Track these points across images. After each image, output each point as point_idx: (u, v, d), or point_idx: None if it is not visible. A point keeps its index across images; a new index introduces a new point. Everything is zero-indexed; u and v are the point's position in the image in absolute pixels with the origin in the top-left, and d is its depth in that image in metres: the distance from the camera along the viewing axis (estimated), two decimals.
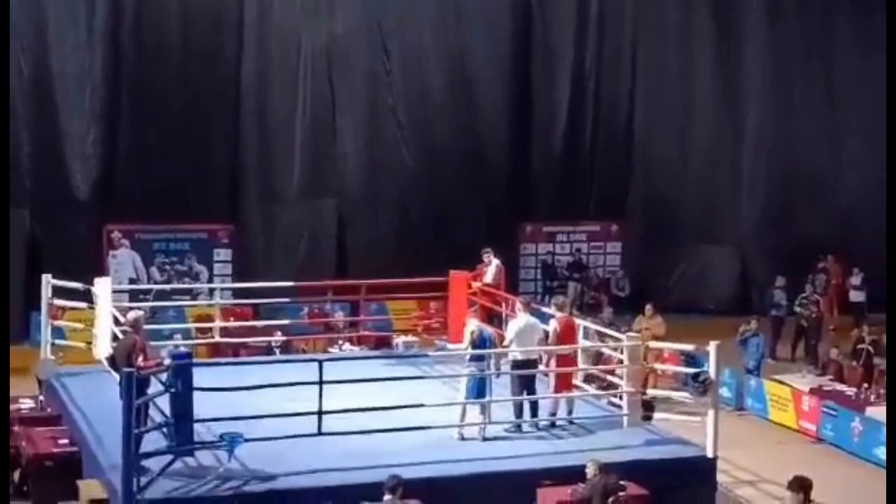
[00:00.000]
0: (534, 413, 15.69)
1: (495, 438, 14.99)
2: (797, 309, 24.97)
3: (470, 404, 15.16)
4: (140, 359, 13.39)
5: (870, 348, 21.67)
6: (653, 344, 17.58)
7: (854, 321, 25.22)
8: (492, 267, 20.31)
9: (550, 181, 29.62)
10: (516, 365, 15.71)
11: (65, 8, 25.62)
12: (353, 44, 27.73)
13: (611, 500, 13.15)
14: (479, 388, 15.13)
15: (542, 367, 15.94)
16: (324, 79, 27.52)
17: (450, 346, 16.46)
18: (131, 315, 14.48)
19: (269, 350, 20.60)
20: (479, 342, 15.38)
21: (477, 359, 15.34)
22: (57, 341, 18.33)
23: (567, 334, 16.03)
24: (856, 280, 27.42)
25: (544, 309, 17.94)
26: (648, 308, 22.56)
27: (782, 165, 30.26)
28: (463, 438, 14.96)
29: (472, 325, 15.64)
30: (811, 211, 30.07)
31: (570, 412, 15.91)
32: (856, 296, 27.38)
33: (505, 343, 15.81)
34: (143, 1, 26.18)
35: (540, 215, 29.54)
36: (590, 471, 13.33)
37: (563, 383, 15.97)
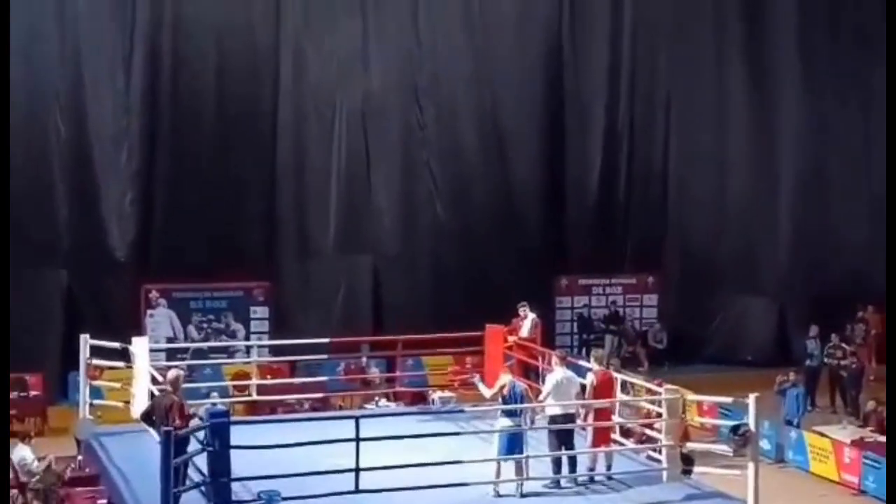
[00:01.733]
0: (572, 468, 15.57)
1: (533, 495, 14.86)
2: (826, 360, 24.75)
3: (504, 460, 15.06)
4: (177, 418, 13.41)
5: None
6: (691, 397, 17.45)
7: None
8: (528, 321, 20.25)
9: (585, 234, 29.62)
10: (553, 420, 15.62)
11: (102, 68, 25.97)
12: (388, 100, 27.96)
13: None
14: (511, 444, 15.03)
15: (579, 422, 15.84)
16: (359, 135, 27.72)
17: (481, 386, 16.31)
18: (171, 374, 14.50)
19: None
20: (510, 397, 15.30)
21: (509, 414, 15.26)
22: (95, 401, 18.35)
23: (605, 388, 15.94)
24: None
25: (582, 363, 17.89)
26: None
27: (819, 214, 30.09)
28: (499, 495, 14.85)
29: (505, 378, 15.57)
30: (852, 258, 29.82)
31: (608, 467, 15.78)
32: None
33: (541, 397, 15.73)
34: (180, 61, 26.51)
35: (575, 268, 29.50)
36: None
37: (602, 438, 15.86)
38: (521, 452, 14.99)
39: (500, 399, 15.32)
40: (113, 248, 26.05)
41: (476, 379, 17.01)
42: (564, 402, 15.53)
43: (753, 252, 30.13)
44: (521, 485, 14.96)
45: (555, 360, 16.30)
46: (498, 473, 14.97)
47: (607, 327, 28.92)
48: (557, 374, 15.77)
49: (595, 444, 15.72)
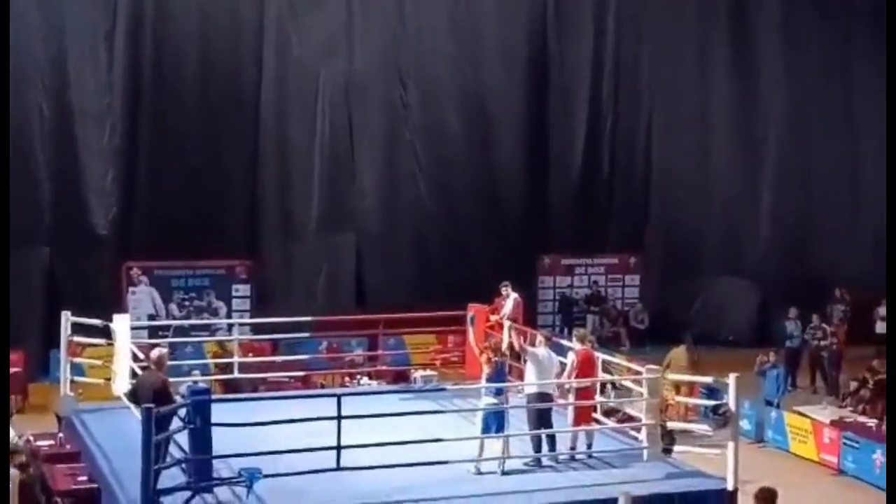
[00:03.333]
0: (552, 447, 15.64)
1: (514, 472, 14.92)
2: (807, 339, 24.86)
3: (488, 438, 15.11)
4: (166, 398, 13.45)
5: (882, 378, 21.60)
6: (671, 376, 17.53)
7: (876, 352, 25.04)
8: (510, 300, 20.32)
9: (568, 215, 29.67)
10: (532, 398, 15.68)
11: (85, 46, 25.86)
12: (372, 79, 27.92)
13: None
14: (495, 422, 15.10)
15: (560, 401, 15.90)
16: (342, 114, 27.68)
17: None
18: (155, 353, 14.51)
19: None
20: (497, 375, 15.35)
21: (495, 392, 15.32)
22: (76, 378, 18.35)
23: (586, 366, 16.00)
24: (882, 311, 27.23)
25: (563, 342, 17.94)
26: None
27: (801, 196, 30.23)
28: (480, 473, 14.91)
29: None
30: (831, 241, 29.97)
31: (589, 445, 15.85)
32: (882, 327, 27.18)
33: (526, 376, 15.79)
34: (163, 39, 26.42)
35: (558, 249, 29.56)
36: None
37: (583, 416, 15.92)
38: (504, 430, 15.05)
39: (487, 374, 15.34)
40: (95, 226, 26.00)
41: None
42: (547, 380, 15.60)
43: (735, 234, 30.26)
44: (503, 462, 15.02)
45: (539, 338, 16.35)
46: (481, 451, 15.02)
47: (589, 307, 29.01)
48: (540, 352, 15.82)
49: (576, 422, 15.78)
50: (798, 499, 17.47)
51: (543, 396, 15.69)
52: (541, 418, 15.58)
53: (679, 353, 22.20)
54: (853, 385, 22.01)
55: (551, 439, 15.67)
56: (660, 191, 30.23)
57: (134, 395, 14.12)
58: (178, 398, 13.91)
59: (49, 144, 25.58)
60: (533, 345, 16.66)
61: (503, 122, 29.00)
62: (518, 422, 15.74)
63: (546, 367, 15.70)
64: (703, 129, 30.23)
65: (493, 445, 15.13)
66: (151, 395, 13.35)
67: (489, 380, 15.28)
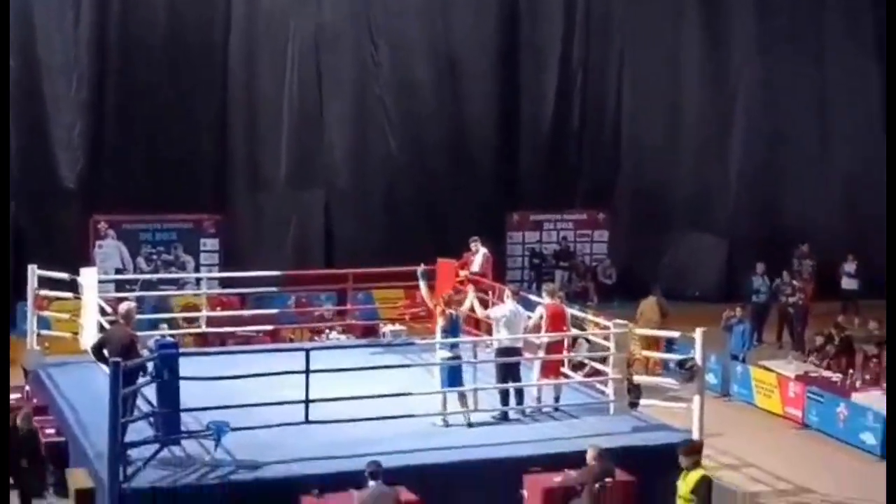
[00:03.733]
0: (519, 400, 15.73)
1: (482, 425, 15.00)
2: (776, 296, 25.03)
3: (449, 392, 15.17)
4: (143, 352, 13.42)
5: (850, 334, 21.81)
6: (638, 331, 17.64)
7: (842, 308, 25.29)
8: (479, 255, 20.34)
9: (538, 170, 29.67)
10: (502, 352, 15.74)
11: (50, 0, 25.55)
12: (341, 33, 27.73)
13: (597, 485, 13.21)
14: (451, 376, 15.12)
15: (528, 354, 15.99)
16: (311, 69, 27.51)
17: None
18: (123, 307, 14.43)
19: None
20: (452, 329, 15.39)
21: (449, 346, 15.33)
22: (43, 331, 18.30)
23: (556, 320, 16.07)
24: (849, 267, 27.41)
25: (532, 297, 18.00)
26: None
27: (770, 153, 30.30)
28: (447, 425, 15.01)
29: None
30: (798, 199, 30.12)
31: (556, 399, 15.96)
32: (848, 283, 27.39)
33: (493, 328, 15.83)
34: None
35: (527, 204, 29.57)
36: (589, 455, 13.38)
37: (551, 369, 16.02)
38: (461, 384, 15.10)
39: (442, 326, 15.39)
40: (62, 179, 25.81)
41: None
42: (515, 335, 15.68)
43: (703, 190, 30.32)
44: (468, 415, 15.11)
45: (507, 293, 16.40)
46: (444, 405, 15.10)
47: (558, 263, 29.08)
48: (508, 306, 15.88)
49: (544, 375, 15.87)
50: (763, 451, 17.79)
51: (511, 351, 15.76)
52: (508, 372, 15.66)
53: (650, 303, 22.75)
54: (818, 340, 22.18)
55: (519, 393, 15.76)
56: (629, 147, 30.24)
57: (100, 350, 14.00)
58: (145, 352, 13.89)
59: (15, 98, 25.26)
60: (501, 300, 16.74)
61: (474, 79, 28.87)
62: (487, 376, 15.84)
63: (514, 321, 15.76)
64: (673, 86, 30.19)
65: (455, 399, 15.18)
66: (119, 350, 13.29)
67: (443, 332, 15.32)
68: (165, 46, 26.46)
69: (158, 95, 26.31)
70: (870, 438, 18.10)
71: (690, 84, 30.25)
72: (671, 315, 22.43)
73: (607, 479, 13.28)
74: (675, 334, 16.91)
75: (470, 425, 15.02)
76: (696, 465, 12.17)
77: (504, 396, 15.63)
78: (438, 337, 15.41)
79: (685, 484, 12.07)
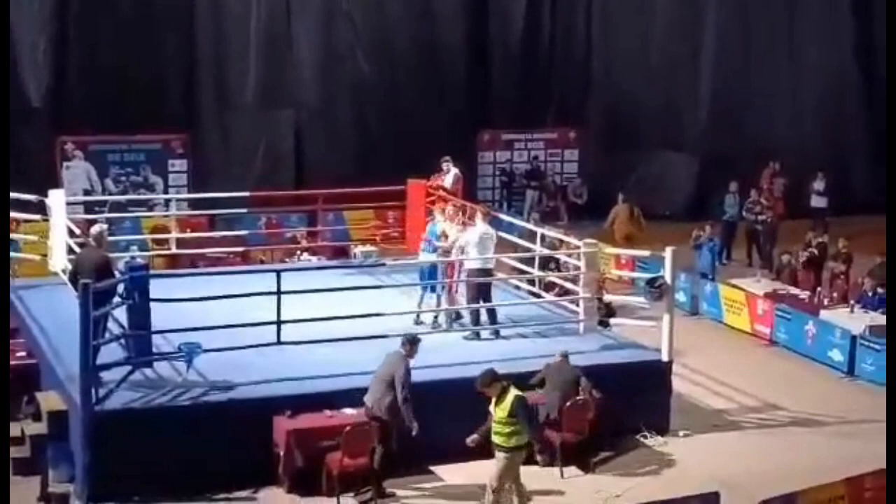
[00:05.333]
0: (492, 320, 15.81)
1: (452, 346, 15.08)
2: (745, 214, 25.14)
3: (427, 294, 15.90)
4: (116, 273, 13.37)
5: (815, 252, 21.95)
6: (609, 250, 17.70)
7: (812, 226, 25.40)
8: (450, 175, 20.27)
9: (508, 89, 29.51)
10: (473, 274, 15.79)
11: None
12: None
13: (581, 386, 13.63)
14: (429, 276, 15.95)
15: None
16: None
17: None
18: (95, 229, 14.28)
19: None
20: (430, 234, 16.17)
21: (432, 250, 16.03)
22: (12, 254, 18.18)
23: None
24: (818, 185, 27.49)
25: (503, 216, 18.01)
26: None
27: (739, 72, 30.21)
28: (418, 323, 15.61)
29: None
30: (769, 117, 30.13)
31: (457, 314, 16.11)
32: (817, 201, 27.51)
33: (463, 248, 15.85)
34: None
35: (498, 123, 29.47)
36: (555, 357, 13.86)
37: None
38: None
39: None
40: (27, 99, 25.49)
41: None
42: (485, 256, 15.75)
43: (674, 109, 30.26)
44: (437, 315, 15.64)
45: (479, 214, 16.38)
46: (420, 303, 15.90)
47: (528, 182, 29.05)
48: (480, 228, 15.88)
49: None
50: (731, 369, 17.98)
51: (483, 272, 15.81)
52: (479, 293, 15.73)
53: (621, 209, 24.15)
54: (786, 258, 22.33)
55: (491, 313, 15.84)
56: (600, 65, 30.09)
57: (74, 274, 13.83)
58: (118, 275, 13.82)
59: None
60: (471, 219, 16.76)
61: None
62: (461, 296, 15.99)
63: (485, 243, 15.78)
64: (644, 3, 30.01)
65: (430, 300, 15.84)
66: (94, 273, 13.13)
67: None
68: None
69: (123, 13, 25.92)
70: (837, 355, 18.30)
71: (662, 1, 30.06)
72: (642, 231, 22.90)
73: (583, 379, 13.72)
74: (644, 253, 16.98)
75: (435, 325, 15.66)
76: (505, 389, 12.10)
77: (475, 316, 15.72)
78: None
79: (500, 409, 12.05)
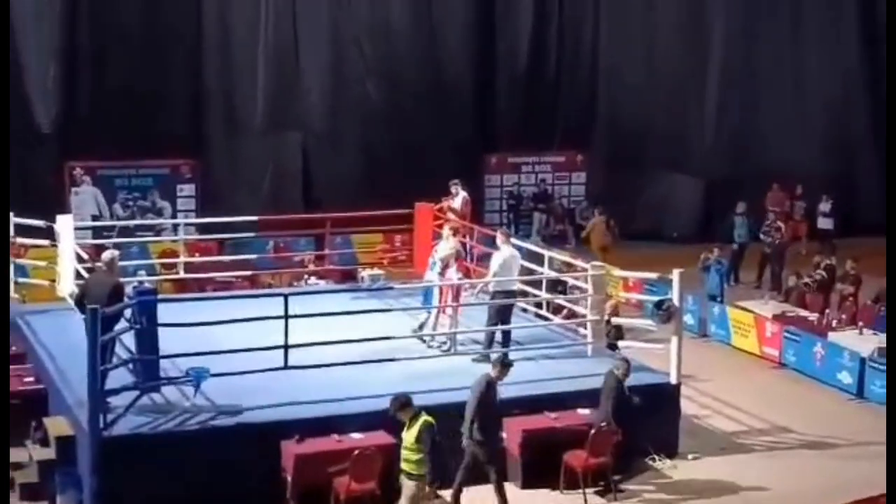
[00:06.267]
0: (505, 343, 15.78)
1: (461, 369, 15.03)
2: (761, 236, 25.10)
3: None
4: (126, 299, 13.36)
5: (823, 273, 21.90)
6: (617, 273, 17.69)
7: (819, 248, 25.38)
8: (458, 198, 20.29)
9: (515, 112, 29.59)
10: (495, 296, 15.80)
11: None
12: None
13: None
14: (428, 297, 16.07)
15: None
16: (287, 10, 27.26)
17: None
18: (107, 255, 14.21)
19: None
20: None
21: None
22: (20, 279, 18.22)
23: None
24: (824, 207, 27.52)
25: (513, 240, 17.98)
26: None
27: (746, 94, 30.26)
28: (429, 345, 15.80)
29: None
30: (776, 139, 30.13)
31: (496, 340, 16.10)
32: (824, 223, 27.52)
33: (490, 274, 15.94)
34: None
35: (505, 147, 29.52)
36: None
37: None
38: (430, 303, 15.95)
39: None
40: (37, 125, 25.58)
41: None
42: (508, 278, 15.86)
43: (681, 131, 30.29)
44: (449, 339, 15.71)
45: (500, 238, 16.37)
46: (432, 325, 16.01)
47: (536, 205, 29.07)
48: (504, 252, 15.89)
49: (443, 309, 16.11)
50: (740, 391, 17.92)
51: (506, 295, 15.80)
52: (500, 316, 15.71)
53: (598, 221, 25.07)
54: (793, 280, 22.30)
55: (505, 336, 15.80)
56: (606, 88, 30.17)
57: (81, 298, 13.84)
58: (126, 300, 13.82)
59: None
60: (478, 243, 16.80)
61: (450, 19, 28.71)
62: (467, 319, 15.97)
63: (510, 265, 15.79)
64: (650, 26, 30.09)
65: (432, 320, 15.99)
66: (105, 299, 13.09)
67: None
68: None
69: (132, 40, 26.04)
70: (846, 377, 18.25)
71: (667, 22, 30.13)
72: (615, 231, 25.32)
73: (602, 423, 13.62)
74: (652, 276, 16.97)
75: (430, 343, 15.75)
76: (416, 415, 11.98)
77: (490, 340, 15.70)
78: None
79: (409, 434, 11.96)
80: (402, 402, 12.09)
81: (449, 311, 16.06)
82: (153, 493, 12.50)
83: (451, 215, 19.56)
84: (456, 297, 16.15)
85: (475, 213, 21.79)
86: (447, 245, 16.46)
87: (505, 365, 13.17)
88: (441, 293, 16.12)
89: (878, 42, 30.26)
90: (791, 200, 27.40)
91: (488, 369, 13.28)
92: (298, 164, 27.77)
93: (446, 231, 17.07)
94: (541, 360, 15.76)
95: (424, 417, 12.00)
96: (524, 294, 17.23)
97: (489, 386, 12.95)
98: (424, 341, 15.88)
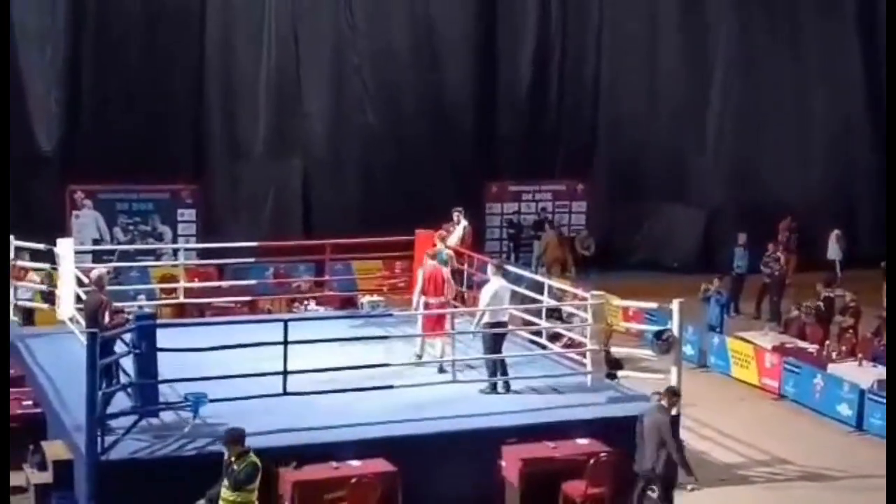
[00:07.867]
0: (504, 372, 15.74)
1: (463, 399, 15.01)
2: (762, 268, 25.09)
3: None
4: (106, 316, 13.32)
5: (821, 305, 21.88)
6: (617, 302, 17.67)
7: (825, 279, 25.33)
8: (459, 227, 20.30)
9: (516, 141, 29.61)
10: (488, 327, 15.77)
11: None
12: (319, 1, 27.56)
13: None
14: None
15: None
16: (289, 36, 27.35)
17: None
18: (95, 273, 14.34)
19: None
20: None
21: None
22: (20, 302, 18.20)
23: (434, 281, 16.46)
24: (834, 237, 27.56)
25: (511, 268, 18.01)
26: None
27: (747, 124, 30.31)
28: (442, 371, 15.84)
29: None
30: (776, 170, 30.17)
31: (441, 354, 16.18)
32: (833, 252, 27.56)
33: (480, 306, 15.87)
34: None
35: (505, 175, 29.53)
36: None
37: (432, 326, 16.21)
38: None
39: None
40: (39, 148, 25.64)
41: None
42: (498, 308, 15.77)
43: (682, 161, 30.33)
44: (448, 365, 15.78)
45: (491, 269, 16.35)
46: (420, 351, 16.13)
47: (536, 233, 29.07)
48: (494, 283, 15.86)
49: (426, 331, 16.15)
50: (739, 422, 17.88)
51: (497, 325, 15.78)
52: (495, 346, 15.69)
53: (550, 236, 26.34)
54: (794, 312, 22.28)
55: (502, 365, 15.77)
56: (607, 117, 30.21)
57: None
58: (119, 317, 13.80)
59: None
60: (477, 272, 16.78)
61: (451, 47, 28.78)
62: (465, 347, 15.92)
63: (501, 296, 15.76)
64: (651, 56, 30.16)
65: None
66: (90, 316, 13.25)
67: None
68: (141, 13, 26.25)
69: (134, 64, 26.14)
70: (846, 410, 18.21)
71: (668, 53, 30.21)
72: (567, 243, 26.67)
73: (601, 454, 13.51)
74: (652, 305, 16.94)
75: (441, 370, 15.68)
76: (244, 454, 11.48)
77: (492, 370, 15.66)
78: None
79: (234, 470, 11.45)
80: (230, 437, 11.55)
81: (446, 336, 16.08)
82: None
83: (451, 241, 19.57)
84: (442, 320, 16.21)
85: (476, 240, 21.77)
86: (441, 245, 16.60)
87: (675, 394, 13.36)
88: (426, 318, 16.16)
89: (880, 66, 30.31)
90: (787, 231, 27.38)
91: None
92: (299, 189, 27.80)
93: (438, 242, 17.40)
94: (540, 389, 15.73)
95: (252, 458, 11.48)
96: (526, 323, 17.23)
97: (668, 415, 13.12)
98: (420, 359, 15.89)
